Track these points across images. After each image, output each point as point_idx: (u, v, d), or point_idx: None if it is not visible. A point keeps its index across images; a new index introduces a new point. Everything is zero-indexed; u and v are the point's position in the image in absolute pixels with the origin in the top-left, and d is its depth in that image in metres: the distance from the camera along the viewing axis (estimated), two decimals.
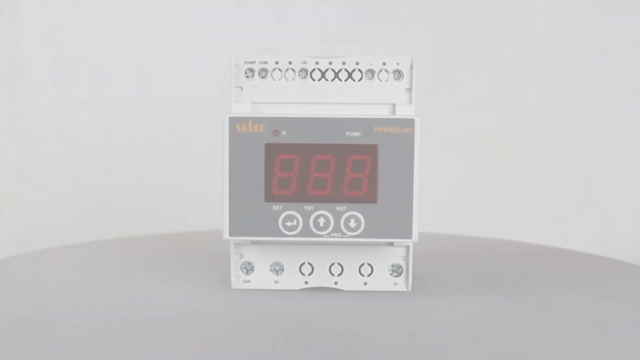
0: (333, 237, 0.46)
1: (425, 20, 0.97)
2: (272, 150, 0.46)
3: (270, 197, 0.47)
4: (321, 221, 0.46)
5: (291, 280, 0.50)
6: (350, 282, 0.49)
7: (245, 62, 0.49)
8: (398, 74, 0.48)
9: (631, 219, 0.99)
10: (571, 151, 0.98)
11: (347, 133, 0.46)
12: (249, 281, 0.50)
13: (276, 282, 0.50)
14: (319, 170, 0.46)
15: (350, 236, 0.46)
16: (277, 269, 0.50)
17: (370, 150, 0.46)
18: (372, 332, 0.41)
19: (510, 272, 0.57)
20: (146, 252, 0.63)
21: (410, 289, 0.49)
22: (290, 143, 0.46)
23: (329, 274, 0.50)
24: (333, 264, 0.49)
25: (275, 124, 0.46)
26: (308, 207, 0.46)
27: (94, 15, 0.93)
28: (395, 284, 0.49)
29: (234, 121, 0.46)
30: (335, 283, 0.49)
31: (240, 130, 0.46)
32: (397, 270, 0.49)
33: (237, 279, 0.50)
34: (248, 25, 0.96)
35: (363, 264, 0.49)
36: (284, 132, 0.46)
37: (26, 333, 0.41)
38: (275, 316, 0.44)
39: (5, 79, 0.91)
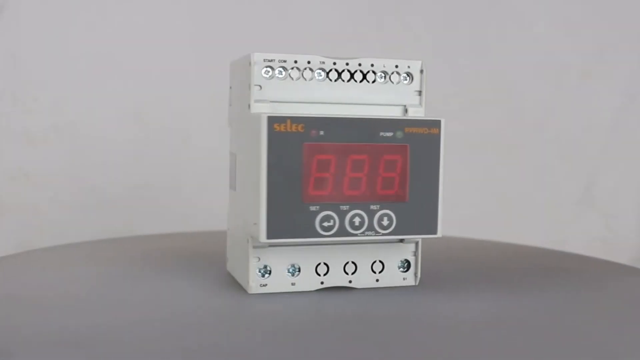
0: (367, 235, 0.47)
1: (425, 20, 0.97)
2: (311, 150, 0.46)
3: (307, 198, 0.46)
4: (357, 220, 0.47)
5: (308, 281, 0.49)
6: (363, 279, 0.50)
7: (264, 60, 0.48)
8: (409, 76, 0.50)
9: (631, 219, 0.99)
10: (571, 151, 0.98)
11: (381, 133, 0.46)
12: (266, 285, 0.49)
13: (293, 284, 0.49)
14: (354, 170, 0.47)
15: (383, 234, 0.47)
16: (293, 270, 0.49)
17: (402, 150, 0.47)
18: (382, 330, 0.42)
19: (510, 274, 0.57)
20: (146, 252, 0.63)
21: (417, 283, 0.51)
22: (328, 143, 0.46)
23: (344, 272, 0.50)
24: (347, 262, 0.50)
25: (313, 123, 0.46)
26: (344, 207, 0.47)
27: (94, 15, 0.93)
28: (404, 279, 0.51)
29: (272, 120, 0.45)
30: (350, 282, 0.50)
31: (278, 130, 0.45)
32: (405, 266, 0.51)
33: (255, 284, 0.49)
34: (248, 25, 0.96)
35: (375, 262, 0.50)
36: (321, 132, 0.46)
37: (27, 333, 0.41)
38: (292, 317, 0.44)
39: (5, 79, 0.91)
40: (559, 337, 0.41)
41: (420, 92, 0.51)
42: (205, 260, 0.59)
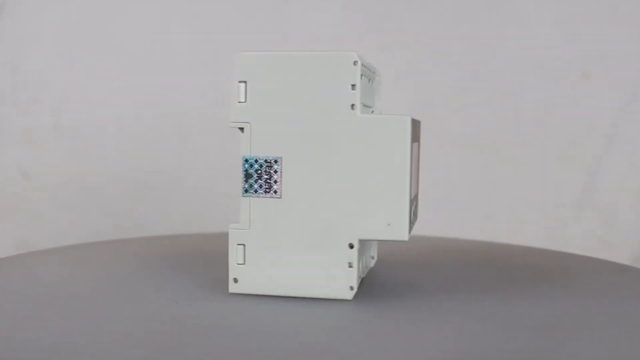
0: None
1: (424, 19, 0.97)
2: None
3: None
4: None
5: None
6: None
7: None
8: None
9: (631, 219, 0.99)
10: (571, 151, 0.98)
11: None
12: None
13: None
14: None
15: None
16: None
17: None
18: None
19: (509, 273, 0.57)
20: (146, 252, 0.63)
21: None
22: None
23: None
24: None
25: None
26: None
27: (94, 15, 0.93)
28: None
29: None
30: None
31: None
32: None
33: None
34: (248, 24, 0.96)
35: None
36: None
37: (27, 333, 0.41)
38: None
39: (5, 79, 0.91)
40: (558, 337, 0.41)
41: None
42: (204, 262, 0.59)
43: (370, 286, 0.51)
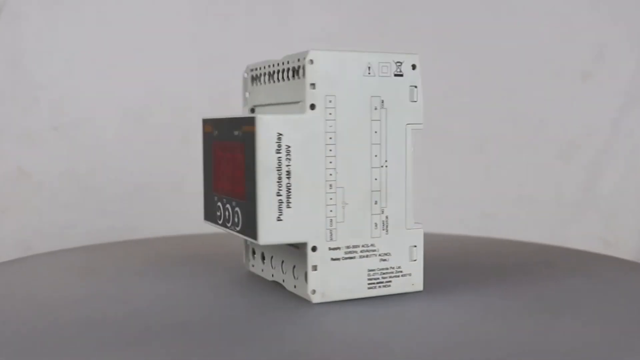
0: (232, 229, 0.48)
1: (425, 19, 0.97)
2: (213, 148, 0.50)
3: (215, 190, 0.50)
4: (227, 213, 0.48)
5: (266, 270, 0.52)
6: (289, 282, 0.49)
7: (251, 70, 0.52)
8: (302, 70, 0.45)
9: (631, 219, 0.99)
10: (571, 151, 0.98)
11: (234, 132, 0.46)
12: (254, 266, 0.54)
13: (262, 270, 0.52)
14: (225, 167, 0.48)
15: (236, 230, 0.47)
16: (262, 257, 0.52)
17: (240, 149, 0.46)
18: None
19: (510, 270, 0.57)
20: (145, 254, 0.63)
21: (314, 301, 0.46)
22: (216, 141, 0.49)
23: (281, 270, 0.50)
24: (283, 261, 0.50)
25: (210, 124, 0.51)
26: (223, 200, 0.49)
27: (94, 15, 0.93)
28: (311, 292, 0.46)
29: (203, 123, 0.52)
30: (283, 281, 0.50)
31: (205, 131, 0.52)
32: (305, 279, 0.46)
33: (247, 262, 0.54)
34: (249, 24, 0.96)
35: (295, 266, 0.48)
36: (215, 132, 0.50)
37: (28, 335, 0.41)
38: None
39: (5, 79, 0.91)
40: (559, 336, 0.41)
41: (313, 85, 0.45)
42: (203, 263, 0.59)
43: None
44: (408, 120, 0.47)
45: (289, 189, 0.44)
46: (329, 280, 0.46)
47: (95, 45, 0.93)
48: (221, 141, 0.48)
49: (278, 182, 0.44)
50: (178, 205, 0.94)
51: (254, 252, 0.53)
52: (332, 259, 0.46)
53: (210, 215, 0.51)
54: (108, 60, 0.93)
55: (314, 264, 0.45)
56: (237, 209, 0.46)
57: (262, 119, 0.44)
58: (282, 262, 0.49)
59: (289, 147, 0.44)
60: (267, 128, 0.44)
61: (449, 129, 0.96)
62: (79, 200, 0.93)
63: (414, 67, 0.48)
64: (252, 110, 0.52)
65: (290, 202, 0.44)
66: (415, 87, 0.48)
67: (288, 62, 0.47)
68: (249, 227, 0.45)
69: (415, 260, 0.49)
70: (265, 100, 0.50)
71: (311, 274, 0.45)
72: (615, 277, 0.55)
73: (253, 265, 0.54)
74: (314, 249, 0.45)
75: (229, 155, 0.47)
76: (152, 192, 0.95)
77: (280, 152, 0.44)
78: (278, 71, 0.48)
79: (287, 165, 0.44)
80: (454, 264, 0.59)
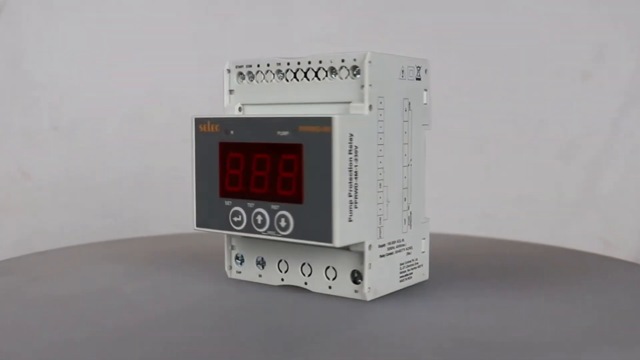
0: (269, 234, 0.46)
1: (425, 19, 0.97)
2: (224, 148, 0.48)
3: (224, 193, 0.48)
4: (259, 219, 0.47)
5: (271, 275, 0.51)
6: (317, 284, 0.49)
7: (236, 67, 0.51)
8: (356, 70, 0.46)
9: (631, 219, 0.99)
10: (571, 151, 0.98)
11: (278, 132, 0.45)
12: (240, 272, 0.52)
13: (260, 275, 0.51)
14: (258, 169, 0.46)
15: (282, 235, 0.45)
16: (261, 263, 0.51)
17: (297, 150, 0.45)
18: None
19: (510, 271, 0.57)
20: (145, 253, 0.63)
21: (368, 299, 0.47)
22: (237, 142, 0.47)
23: (301, 273, 0.49)
24: (304, 263, 0.49)
25: (225, 124, 0.48)
26: (250, 204, 0.47)
27: (94, 14, 0.93)
28: (355, 291, 0.47)
29: (197, 122, 0.49)
30: (305, 283, 0.49)
31: (202, 130, 0.49)
32: (356, 278, 0.47)
33: (232, 270, 0.52)
34: (248, 24, 0.96)
35: (328, 267, 0.48)
36: (232, 132, 0.47)
37: (29, 335, 0.41)
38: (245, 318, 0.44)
39: (5, 79, 0.91)
40: (559, 336, 0.41)
41: (364, 87, 0.45)
42: (200, 262, 0.59)
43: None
44: (423, 122, 0.51)
45: (357, 189, 0.45)
46: (378, 277, 0.47)
47: (95, 45, 0.93)
48: (244, 142, 0.47)
49: (349, 182, 0.44)
50: (178, 205, 0.94)
51: (237, 258, 0.52)
52: (380, 256, 0.47)
53: (216, 221, 0.48)
54: (108, 61, 0.93)
55: (370, 262, 0.46)
56: (284, 212, 0.45)
57: (338, 119, 0.43)
58: (303, 264, 0.49)
59: (357, 147, 0.45)
60: (342, 128, 0.43)
61: (449, 129, 0.96)
62: (79, 200, 0.93)
63: (426, 71, 0.51)
64: (240, 109, 0.51)
65: (357, 203, 0.45)
66: (426, 90, 0.51)
67: (320, 62, 0.47)
68: (310, 230, 0.44)
69: (424, 252, 0.52)
70: (266, 100, 0.50)
71: (367, 272, 0.46)
72: (615, 277, 0.55)
73: (239, 272, 0.52)
74: (370, 247, 0.46)
75: (267, 157, 0.46)
76: (152, 192, 0.95)
77: (351, 153, 0.44)
78: (300, 70, 0.48)
79: (355, 166, 0.44)
80: (454, 264, 0.59)
